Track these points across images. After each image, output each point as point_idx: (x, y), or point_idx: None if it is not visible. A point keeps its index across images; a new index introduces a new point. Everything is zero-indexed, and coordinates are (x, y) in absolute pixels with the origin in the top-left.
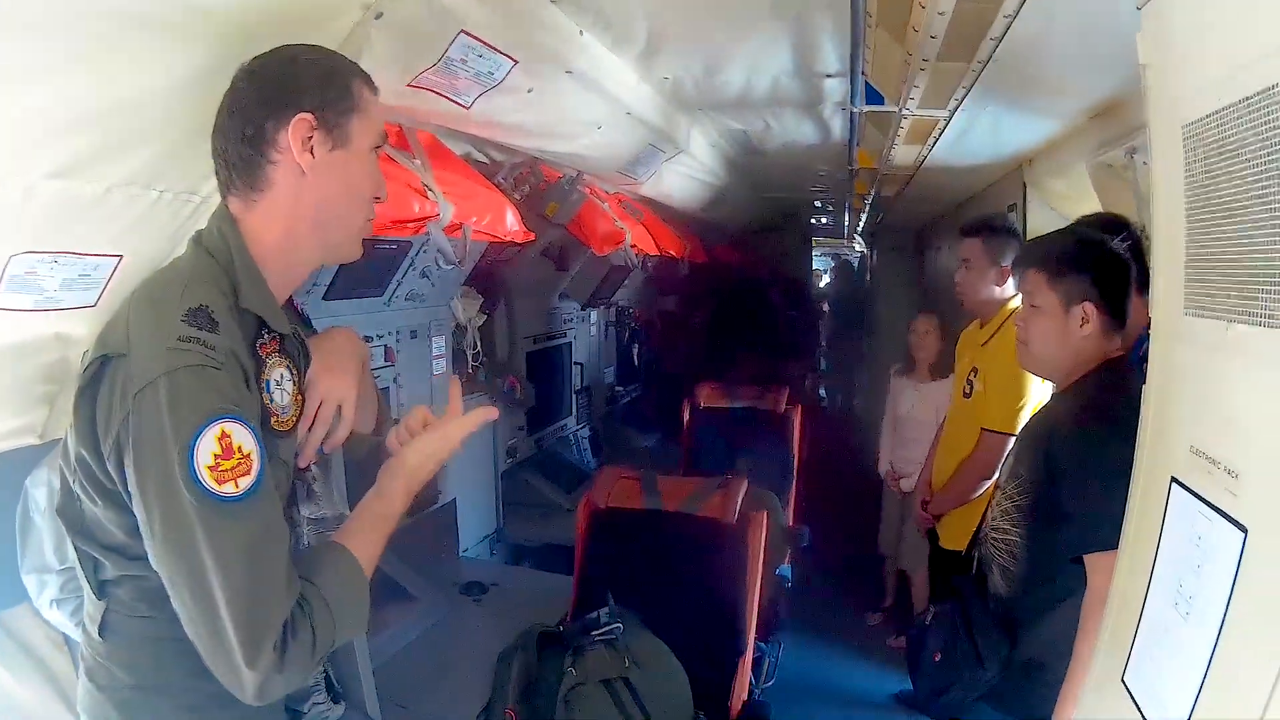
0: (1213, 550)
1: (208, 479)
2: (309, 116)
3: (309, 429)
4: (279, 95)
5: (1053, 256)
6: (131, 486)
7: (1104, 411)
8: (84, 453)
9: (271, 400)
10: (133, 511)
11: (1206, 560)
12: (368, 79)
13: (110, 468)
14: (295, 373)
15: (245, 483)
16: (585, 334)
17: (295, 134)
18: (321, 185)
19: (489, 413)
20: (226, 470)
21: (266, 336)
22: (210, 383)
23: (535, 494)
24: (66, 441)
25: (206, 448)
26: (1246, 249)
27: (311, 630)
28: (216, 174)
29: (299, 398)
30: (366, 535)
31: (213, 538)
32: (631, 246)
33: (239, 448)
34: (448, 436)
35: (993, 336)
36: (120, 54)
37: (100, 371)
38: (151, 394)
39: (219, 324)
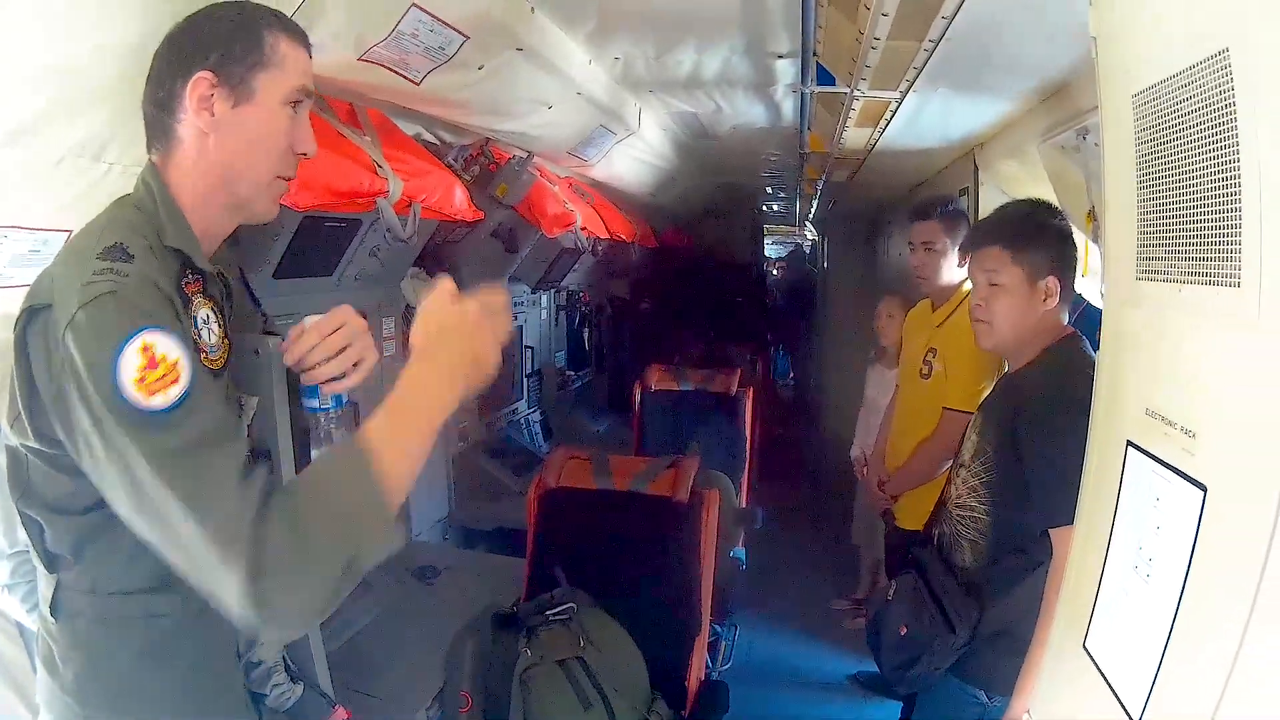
0: (1172, 511)
1: (135, 394)
2: (208, 75)
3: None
4: (183, 54)
5: (1014, 232)
6: (73, 426)
7: (1068, 387)
8: (25, 406)
9: (199, 337)
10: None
11: (1166, 521)
12: (290, 28)
13: (55, 417)
14: (220, 314)
15: (175, 391)
16: (535, 317)
17: (193, 93)
18: (224, 142)
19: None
20: (154, 381)
21: (190, 276)
22: (125, 302)
23: (487, 477)
24: (10, 400)
25: (129, 363)
26: (1196, 211)
27: (292, 517)
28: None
29: (225, 340)
30: (380, 426)
31: (153, 453)
32: (581, 229)
33: (163, 358)
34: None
35: (949, 317)
36: (72, 12)
37: (28, 324)
38: (73, 331)
39: (135, 257)
